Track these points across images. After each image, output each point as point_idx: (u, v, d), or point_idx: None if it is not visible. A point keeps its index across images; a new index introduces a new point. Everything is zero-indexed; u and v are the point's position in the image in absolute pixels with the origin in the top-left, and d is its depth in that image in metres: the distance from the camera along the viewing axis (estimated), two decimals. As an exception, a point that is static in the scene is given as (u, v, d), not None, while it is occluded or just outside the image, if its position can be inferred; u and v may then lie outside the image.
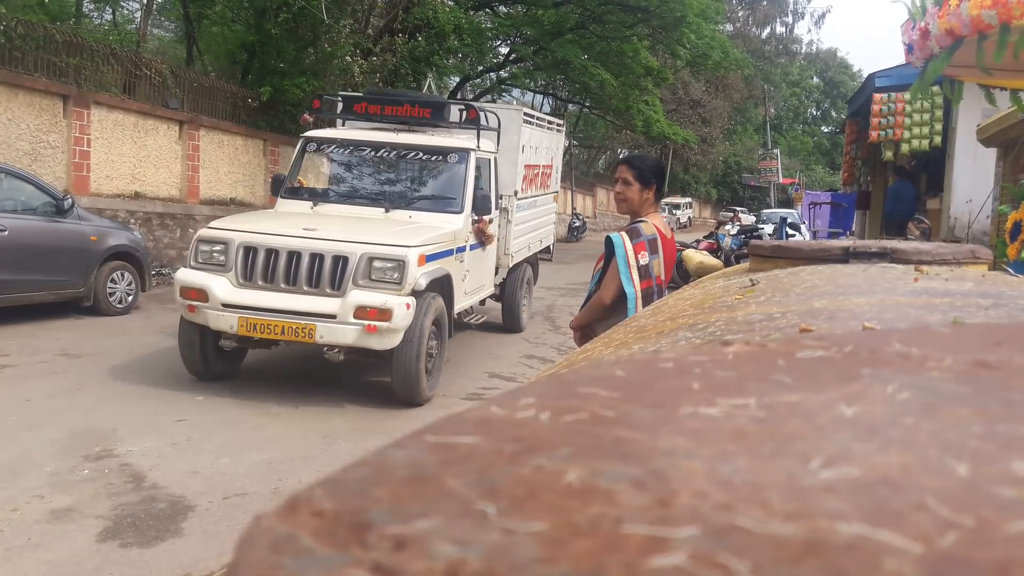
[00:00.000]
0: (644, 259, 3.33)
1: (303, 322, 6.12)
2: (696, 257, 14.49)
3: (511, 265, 9.43)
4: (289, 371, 7.24)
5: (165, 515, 4.07)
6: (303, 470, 4.72)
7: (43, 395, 6.06)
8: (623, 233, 3.42)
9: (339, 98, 9.04)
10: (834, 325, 1.02)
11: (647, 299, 3.24)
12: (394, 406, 6.24)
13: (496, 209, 8.63)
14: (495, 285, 9.30)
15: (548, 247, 12.18)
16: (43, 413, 5.64)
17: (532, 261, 11.22)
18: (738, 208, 42.81)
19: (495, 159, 8.72)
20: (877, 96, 13.35)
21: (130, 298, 10.24)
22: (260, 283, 6.36)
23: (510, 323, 10.05)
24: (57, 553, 3.60)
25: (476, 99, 30.74)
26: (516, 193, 9.36)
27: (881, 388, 0.50)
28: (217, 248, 6.50)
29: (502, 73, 27.76)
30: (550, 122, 11.80)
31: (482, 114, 8.55)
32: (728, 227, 19.47)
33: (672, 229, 3.77)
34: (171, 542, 3.78)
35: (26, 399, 5.91)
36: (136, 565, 3.55)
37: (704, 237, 17.66)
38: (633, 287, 3.28)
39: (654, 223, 3.44)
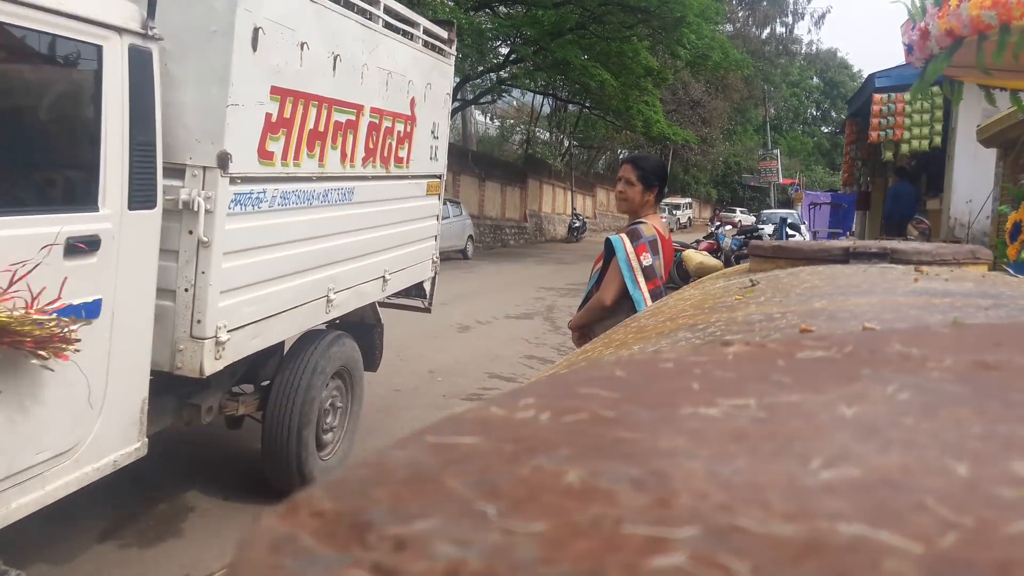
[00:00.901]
0: (647, 260, 3.34)
1: None
2: (696, 257, 14.47)
3: (219, 356, 3.64)
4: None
5: (165, 515, 4.06)
6: (303, 470, 4.71)
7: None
8: (623, 235, 3.42)
9: None
10: (834, 325, 1.02)
11: (654, 299, 3.23)
12: (395, 408, 6.23)
13: (146, 206, 3.28)
14: (173, 412, 3.91)
15: (422, 287, 6.44)
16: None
17: (365, 324, 5.62)
18: (737, 209, 42.77)
19: (128, 51, 3.16)
20: (877, 96, 13.36)
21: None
22: None
23: (277, 474, 4.41)
24: (57, 553, 3.60)
25: (476, 99, 30.83)
26: (227, 161, 3.53)
27: (881, 388, 0.50)
28: None
29: (502, 73, 27.77)
30: (408, 24, 5.56)
31: None
32: (723, 228, 20.12)
33: (671, 229, 3.79)
34: (171, 543, 3.78)
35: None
36: (136, 566, 3.54)
37: (704, 237, 17.68)
38: (640, 291, 3.29)
39: (653, 224, 3.45)
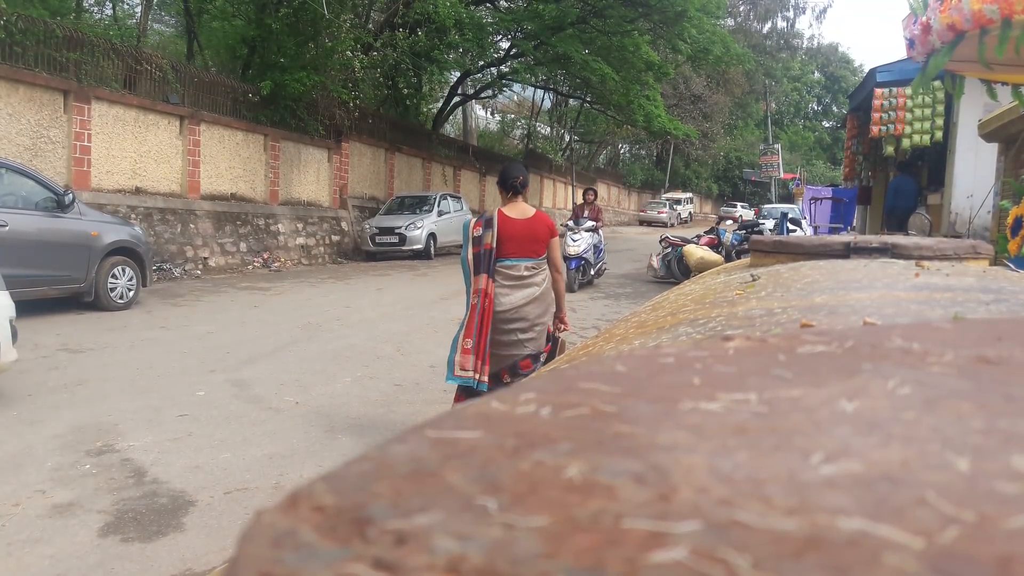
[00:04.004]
0: (478, 232, 4.68)
1: None
2: (697, 252, 14.53)
3: None
4: (290, 367, 7.24)
5: (166, 510, 4.07)
6: (304, 465, 4.72)
7: (44, 390, 6.06)
8: (474, 218, 4.92)
9: None
10: (835, 320, 1.02)
11: (477, 259, 4.64)
12: (396, 403, 6.24)
13: None
14: None
15: None
16: (44, 408, 5.64)
17: None
18: (738, 204, 42.51)
19: None
20: (878, 91, 13.34)
21: (131, 293, 10.25)
22: None
23: None
24: (58, 548, 3.60)
25: (477, 94, 30.84)
26: None
27: (882, 383, 0.50)
28: None
29: (503, 68, 27.75)
30: None
31: None
32: (724, 223, 19.18)
33: (537, 210, 4.92)
34: (172, 537, 3.78)
35: (27, 394, 5.92)
36: (137, 560, 3.55)
37: (705, 232, 17.64)
38: (467, 253, 4.69)
39: (501, 210, 4.76)
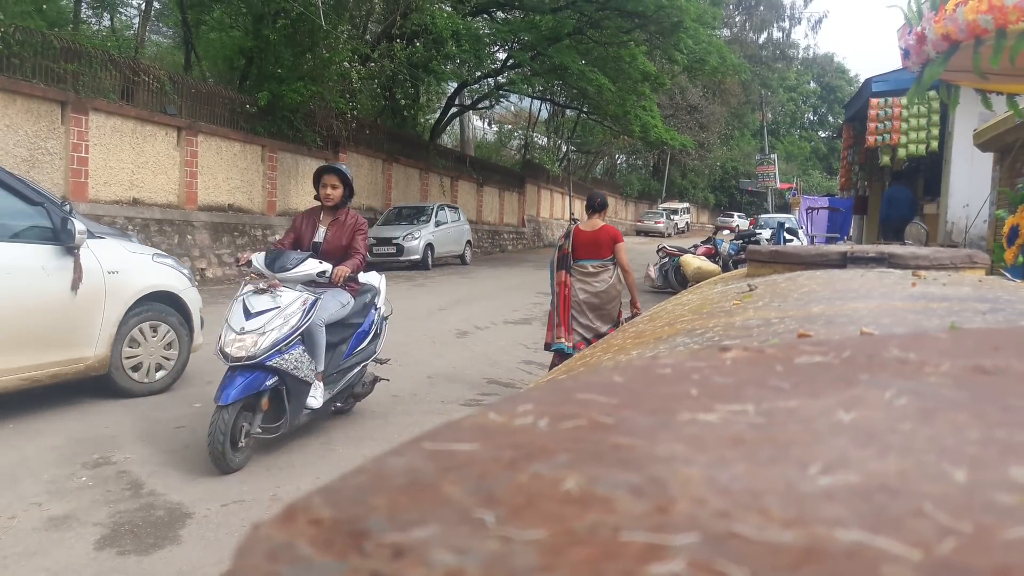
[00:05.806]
0: (561, 242, 6.53)
1: None
2: (694, 262, 14.55)
3: None
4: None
5: (163, 522, 4.05)
6: (301, 477, 4.71)
7: (40, 402, 6.04)
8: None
9: None
10: (832, 330, 1.02)
11: (558, 260, 6.43)
12: (393, 414, 6.23)
13: None
14: None
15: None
16: (41, 420, 5.63)
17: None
18: (735, 213, 42.40)
19: None
20: (874, 101, 13.37)
21: (128, 304, 10.22)
22: None
23: None
24: (55, 560, 3.59)
25: (474, 105, 30.94)
26: None
27: (879, 394, 0.50)
28: None
29: (500, 79, 27.83)
30: None
31: None
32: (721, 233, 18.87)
33: (605, 224, 6.52)
34: (169, 550, 3.76)
35: (23, 406, 5.90)
36: (134, 573, 3.53)
37: (702, 242, 17.64)
38: (553, 259, 6.54)
39: (579, 226, 6.52)
